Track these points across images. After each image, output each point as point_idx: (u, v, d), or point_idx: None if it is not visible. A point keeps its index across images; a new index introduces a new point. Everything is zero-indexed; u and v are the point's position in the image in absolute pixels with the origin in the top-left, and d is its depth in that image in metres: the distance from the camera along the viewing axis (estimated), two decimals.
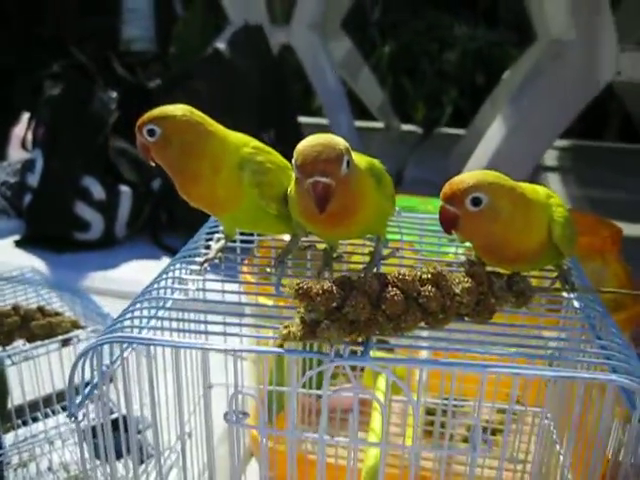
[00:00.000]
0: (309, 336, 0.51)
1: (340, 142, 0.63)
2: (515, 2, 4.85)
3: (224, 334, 0.58)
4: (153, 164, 0.74)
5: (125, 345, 0.61)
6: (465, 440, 1.14)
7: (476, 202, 0.64)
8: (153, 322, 0.63)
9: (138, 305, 0.62)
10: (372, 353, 0.52)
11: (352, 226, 0.69)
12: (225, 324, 0.59)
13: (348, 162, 0.63)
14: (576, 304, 0.72)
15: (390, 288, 0.55)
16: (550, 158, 4.20)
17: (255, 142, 0.78)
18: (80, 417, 0.57)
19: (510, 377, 0.88)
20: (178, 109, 0.73)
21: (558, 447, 0.83)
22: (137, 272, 2.39)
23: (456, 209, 0.64)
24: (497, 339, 0.65)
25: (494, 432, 1.08)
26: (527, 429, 0.98)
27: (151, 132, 0.72)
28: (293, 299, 0.54)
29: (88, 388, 0.59)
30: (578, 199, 3.61)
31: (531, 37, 3.83)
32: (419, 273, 0.58)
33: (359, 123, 4.42)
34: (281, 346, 0.53)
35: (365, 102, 4.79)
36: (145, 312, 0.61)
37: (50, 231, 2.68)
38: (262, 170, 0.73)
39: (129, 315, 0.61)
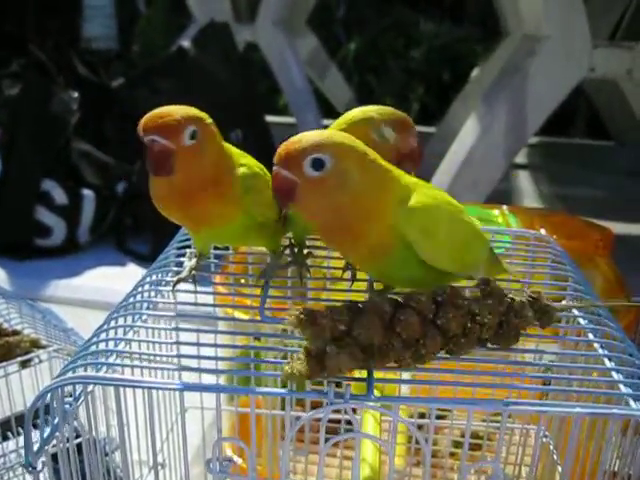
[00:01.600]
0: (316, 371, 0.44)
1: None
2: None
3: (199, 370, 0.51)
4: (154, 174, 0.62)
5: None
6: (452, 455, 1.09)
7: (317, 165, 0.53)
8: (122, 352, 0.57)
9: (103, 335, 0.55)
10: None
11: None
12: (199, 358, 0.52)
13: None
14: (582, 322, 0.66)
15: (404, 309, 0.48)
16: (518, 155, 4.20)
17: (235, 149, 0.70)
18: (39, 467, 0.50)
19: (505, 391, 0.83)
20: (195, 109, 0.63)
21: (559, 468, 0.78)
22: (102, 279, 2.32)
23: (293, 174, 0.53)
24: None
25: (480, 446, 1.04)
26: (520, 444, 0.94)
27: (192, 134, 0.61)
28: (297, 328, 0.47)
29: (48, 431, 0.52)
30: (548, 196, 3.61)
31: (497, 33, 3.81)
32: (433, 293, 0.51)
33: (326, 121, 4.37)
34: (284, 386, 0.46)
35: (332, 100, 4.74)
36: (111, 344, 0.54)
37: (9, 237, 2.58)
38: (252, 174, 0.65)
39: (93, 347, 0.54)
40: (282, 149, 0.54)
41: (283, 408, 0.92)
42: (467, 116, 2.48)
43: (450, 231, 0.58)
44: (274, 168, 0.54)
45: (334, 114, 4.87)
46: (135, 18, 5.90)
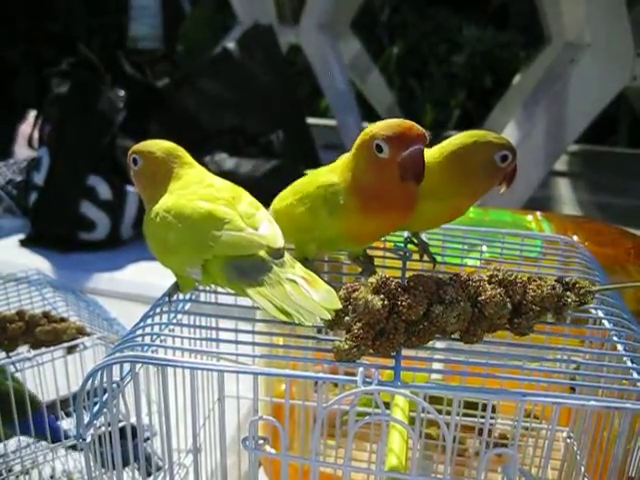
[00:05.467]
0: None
1: None
2: (525, 4, 4.84)
3: (237, 354, 0.55)
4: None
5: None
6: (477, 454, 1.11)
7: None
8: (166, 335, 0.60)
9: (149, 321, 0.59)
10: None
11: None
12: (237, 343, 0.56)
13: None
14: (607, 324, 0.68)
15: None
16: (559, 163, 4.18)
17: None
18: (89, 439, 0.54)
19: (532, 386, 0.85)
20: None
21: (583, 469, 0.80)
22: (143, 274, 2.36)
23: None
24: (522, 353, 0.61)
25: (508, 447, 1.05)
26: (546, 446, 0.95)
27: None
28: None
29: (97, 407, 0.56)
30: (587, 204, 3.59)
31: (540, 39, 3.80)
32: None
33: (367, 124, 4.39)
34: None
35: (373, 103, 4.76)
36: (156, 329, 0.58)
37: (55, 230, 2.66)
38: None
39: (140, 331, 0.58)
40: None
41: None
42: (507, 122, 2.49)
43: None
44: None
45: (375, 117, 4.89)
46: (180, 18, 5.98)
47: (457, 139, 0.71)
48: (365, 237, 0.69)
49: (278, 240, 0.61)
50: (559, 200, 3.64)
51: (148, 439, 1.15)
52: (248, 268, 0.58)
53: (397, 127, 0.62)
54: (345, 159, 0.69)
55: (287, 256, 0.61)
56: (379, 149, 0.62)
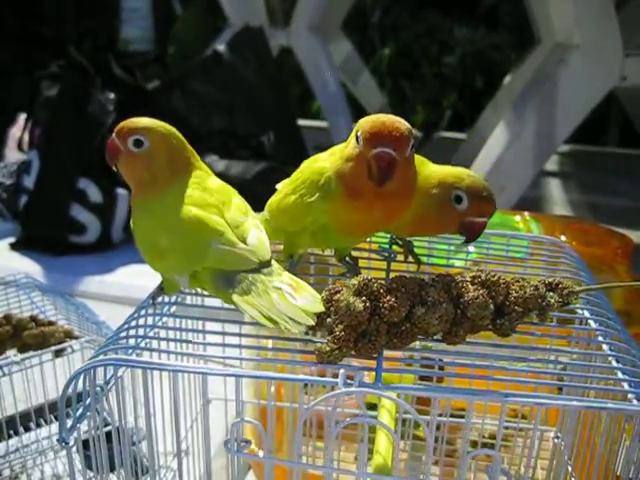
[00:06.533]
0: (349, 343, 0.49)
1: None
2: (515, 5, 4.85)
3: (223, 357, 0.55)
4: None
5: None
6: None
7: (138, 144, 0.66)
8: (151, 338, 0.60)
9: (133, 323, 0.59)
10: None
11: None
12: (224, 346, 0.56)
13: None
14: (593, 324, 0.68)
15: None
16: (550, 163, 4.19)
17: None
18: (72, 442, 0.53)
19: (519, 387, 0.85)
20: None
21: (570, 469, 0.80)
22: (134, 276, 2.35)
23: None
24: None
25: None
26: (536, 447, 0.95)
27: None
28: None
29: (80, 410, 0.56)
30: (578, 204, 3.60)
31: (531, 40, 3.81)
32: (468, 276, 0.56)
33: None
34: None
35: (364, 105, 4.76)
36: (141, 331, 0.58)
37: (45, 233, 2.65)
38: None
39: (124, 334, 0.58)
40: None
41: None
42: (497, 123, 2.49)
43: None
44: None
45: None
46: (171, 20, 5.97)
47: (446, 168, 0.72)
48: (351, 227, 0.67)
49: (266, 251, 0.61)
50: (550, 200, 3.65)
51: (135, 443, 1.15)
52: (237, 278, 0.58)
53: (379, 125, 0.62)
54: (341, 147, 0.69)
55: (275, 264, 0.61)
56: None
